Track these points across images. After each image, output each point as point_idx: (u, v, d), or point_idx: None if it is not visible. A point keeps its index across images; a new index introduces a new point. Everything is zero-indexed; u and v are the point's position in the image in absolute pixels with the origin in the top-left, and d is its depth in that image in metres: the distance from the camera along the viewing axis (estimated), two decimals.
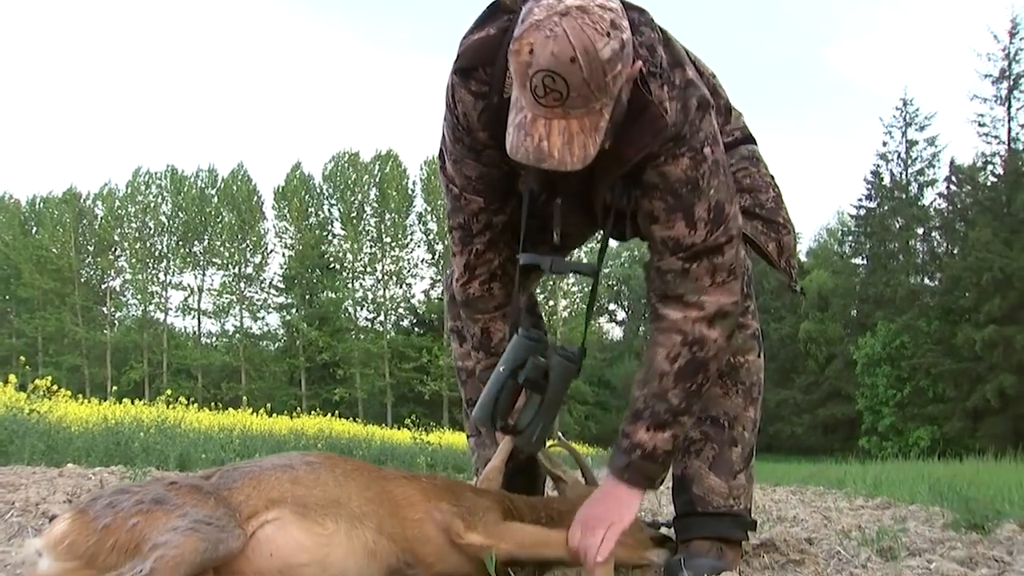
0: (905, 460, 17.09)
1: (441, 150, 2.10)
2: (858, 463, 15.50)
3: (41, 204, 54.81)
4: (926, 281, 44.10)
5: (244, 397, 29.87)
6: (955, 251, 41.87)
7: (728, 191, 1.95)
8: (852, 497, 6.48)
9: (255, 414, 16.32)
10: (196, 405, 15.50)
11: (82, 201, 54.21)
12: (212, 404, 18.13)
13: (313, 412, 21.33)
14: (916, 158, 44.47)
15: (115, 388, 17.43)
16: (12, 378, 9.94)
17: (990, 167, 40.20)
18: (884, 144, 45.98)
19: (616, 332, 66.59)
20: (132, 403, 12.89)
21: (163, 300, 54.42)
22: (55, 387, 11.12)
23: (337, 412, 23.88)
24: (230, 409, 16.42)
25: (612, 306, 65.58)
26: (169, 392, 14.06)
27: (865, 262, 47.53)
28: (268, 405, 18.07)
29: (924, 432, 38.02)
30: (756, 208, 2.26)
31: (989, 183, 40.02)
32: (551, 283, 49.80)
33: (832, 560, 2.40)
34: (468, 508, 1.86)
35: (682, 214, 1.90)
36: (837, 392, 46.40)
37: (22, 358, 11.60)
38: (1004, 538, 2.93)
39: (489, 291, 2.19)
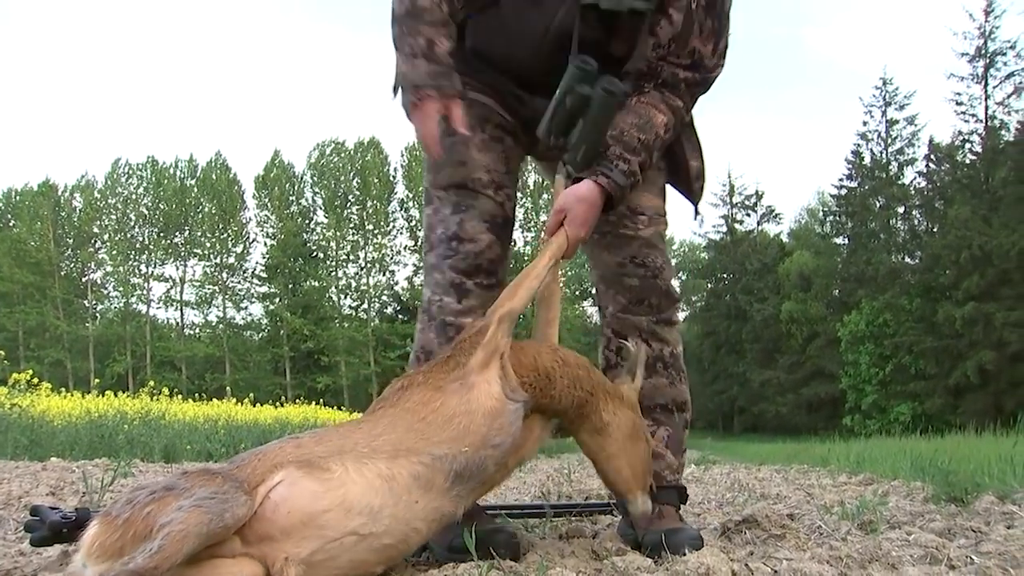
0: (888, 437, 17.22)
1: None
2: (842, 441, 15.61)
3: (17, 197, 54.13)
4: (907, 259, 44.41)
5: (228, 387, 29.74)
6: (935, 229, 42.15)
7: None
8: (835, 474, 6.54)
9: (240, 404, 16.26)
10: (180, 396, 15.42)
11: (59, 193, 53.64)
12: (197, 395, 18.04)
13: (298, 401, 21.30)
14: (896, 137, 44.77)
15: (98, 381, 17.31)
16: None
17: (968, 145, 40.47)
18: (864, 124, 46.37)
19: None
20: (116, 396, 12.82)
21: (145, 292, 53.99)
22: (36, 380, 11.04)
23: (322, 400, 23.87)
24: (215, 400, 16.37)
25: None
26: (153, 384, 13.98)
27: (846, 242, 47.83)
28: (253, 395, 18.03)
29: (905, 408, 38.35)
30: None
31: (967, 161, 40.30)
32: None
33: (813, 534, 2.43)
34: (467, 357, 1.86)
35: (715, 38, 2.16)
36: (820, 371, 46.67)
37: (1, 353, 11.50)
38: (982, 510, 2.97)
39: (438, 4, 2.12)
